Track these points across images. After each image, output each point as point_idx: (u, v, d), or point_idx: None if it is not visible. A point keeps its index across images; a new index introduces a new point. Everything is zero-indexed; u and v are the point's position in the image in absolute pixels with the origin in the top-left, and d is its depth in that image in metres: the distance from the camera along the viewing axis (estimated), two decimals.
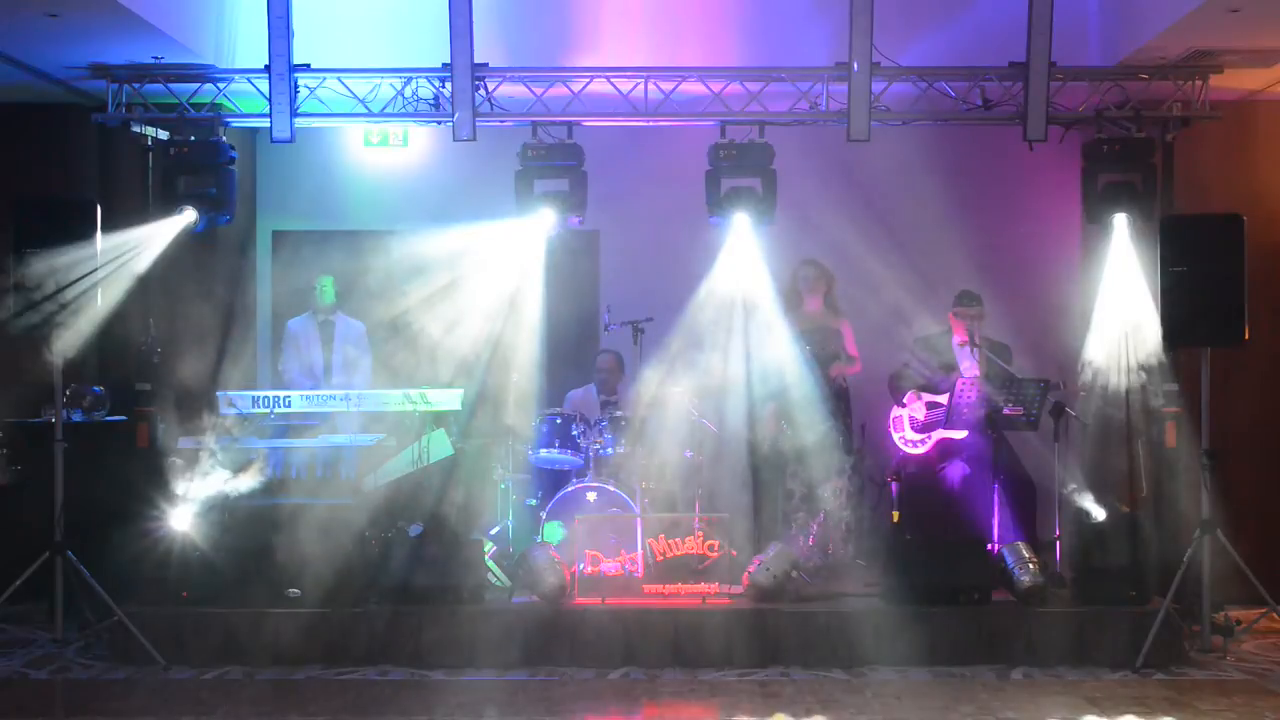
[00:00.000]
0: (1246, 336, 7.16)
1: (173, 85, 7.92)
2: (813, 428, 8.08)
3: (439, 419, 8.00)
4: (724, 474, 8.01)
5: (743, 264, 8.20)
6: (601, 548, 7.32)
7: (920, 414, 8.10)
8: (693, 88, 7.91)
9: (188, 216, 7.83)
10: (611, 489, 7.80)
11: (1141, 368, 7.73)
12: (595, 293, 9.70)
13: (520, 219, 8.00)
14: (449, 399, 7.85)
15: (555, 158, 7.88)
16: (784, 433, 8.08)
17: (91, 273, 7.24)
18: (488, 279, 8.57)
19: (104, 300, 7.38)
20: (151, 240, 7.78)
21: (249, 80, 7.85)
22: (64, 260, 7.16)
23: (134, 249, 7.69)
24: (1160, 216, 7.62)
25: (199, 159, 7.87)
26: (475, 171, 8.96)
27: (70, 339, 7.27)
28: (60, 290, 7.14)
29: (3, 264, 7.32)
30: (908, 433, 8.16)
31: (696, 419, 8.11)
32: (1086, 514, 7.34)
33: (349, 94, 7.87)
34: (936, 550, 7.30)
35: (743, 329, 8.25)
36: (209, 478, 7.30)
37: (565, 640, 6.96)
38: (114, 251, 7.52)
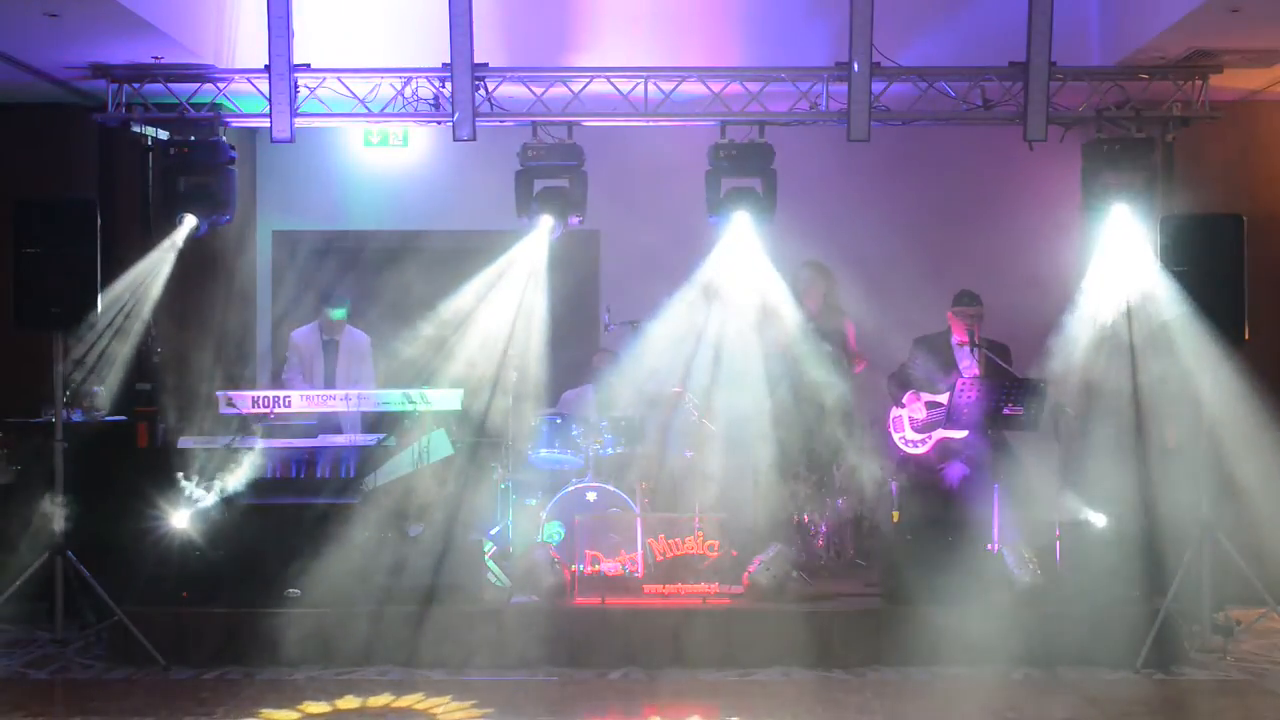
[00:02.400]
0: (1246, 336, 7.17)
1: (173, 85, 7.92)
2: (815, 427, 8.07)
3: (439, 419, 8.01)
4: (725, 473, 7.99)
5: (743, 264, 8.19)
6: (601, 548, 7.32)
7: (920, 414, 8.10)
8: (693, 88, 7.91)
9: (188, 225, 7.83)
10: (611, 489, 7.81)
11: (1141, 367, 7.72)
12: (595, 293, 9.70)
13: (520, 219, 8.00)
14: (449, 399, 7.85)
15: (555, 157, 7.88)
16: (787, 432, 8.07)
17: (92, 272, 7.28)
18: (488, 279, 8.57)
19: (106, 303, 7.45)
20: (159, 268, 7.81)
21: (249, 80, 7.85)
22: (66, 260, 7.22)
23: (144, 284, 7.73)
24: (1160, 216, 7.62)
25: (199, 159, 7.86)
26: (475, 171, 8.96)
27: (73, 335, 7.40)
28: (62, 291, 7.20)
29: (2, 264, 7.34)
30: (908, 433, 8.16)
31: (696, 419, 8.11)
32: (1086, 518, 7.34)
33: (349, 94, 7.87)
34: (936, 550, 7.30)
35: (743, 328, 8.25)
36: (209, 478, 7.30)
37: (565, 640, 6.96)
38: (127, 293, 7.61)
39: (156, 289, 7.83)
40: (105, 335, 7.54)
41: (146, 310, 7.81)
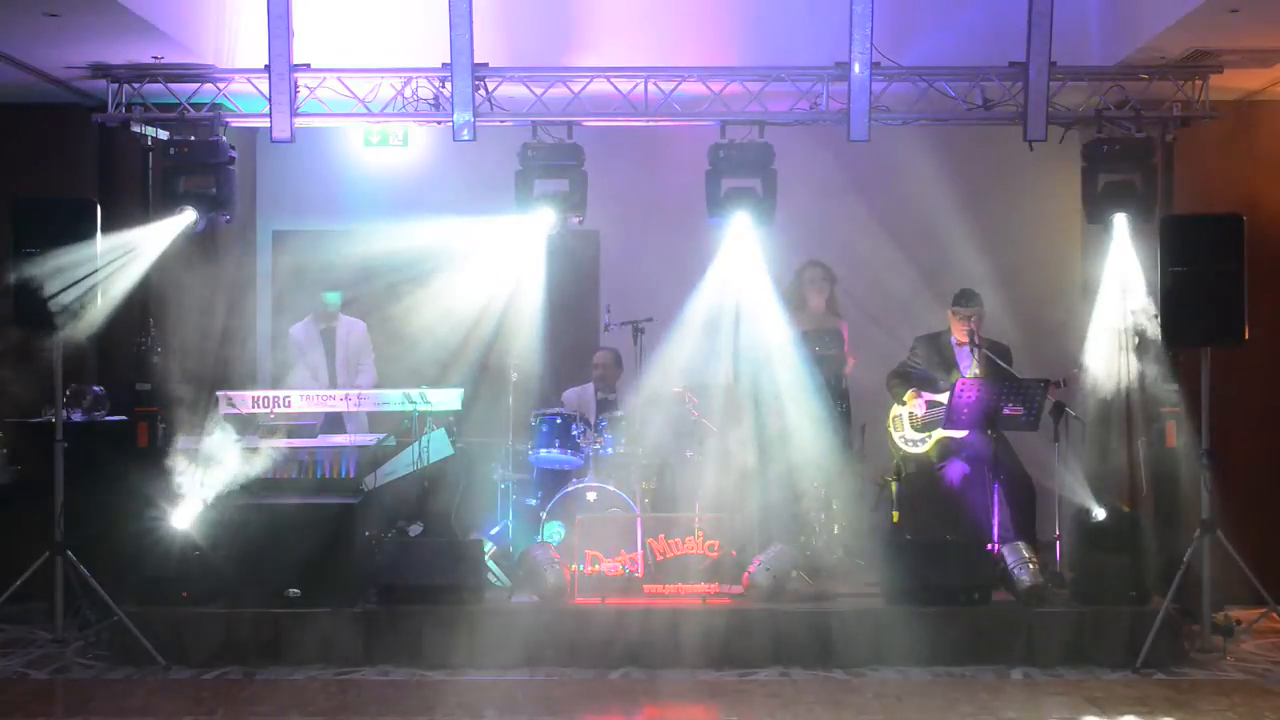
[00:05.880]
0: (1246, 336, 7.17)
1: (173, 85, 7.92)
2: (819, 428, 8.07)
3: (439, 419, 8.01)
4: (726, 473, 7.99)
5: (743, 264, 8.19)
6: (601, 548, 7.32)
7: (920, 413, 8.10)
8: (693, 88, 7.91)
9: (187, 216, 7.83)
10: (611, 489, 7.80)
11: (1141, 367, 7.72)
12: (595, 293, 9.70)
13: (520, 219, 7.99)
14: (449, 399, 7.86)
15: (555, 158, 7.87)
16: (791, 433, 8.06)
17: (92, 273, 7.25)
18: (488, 279, 8.58)
19: (105, 299, 7.39)
20: (151, 240, 7.77)
21: (249, 80, 7.85)
22: (66, 260, 7.18)
23: (134, 249, 7.68)
24: (1160, 216, 7.63)
25: (199, 159, 7.86)
26: (475, 171, 8.96)
27: (73, 333, 7.30)
28: (62, 291, 7.16)
29: (2, 264, 7.33)
30: (908, 432, 8.16)
31: (696, 419, 8.11)
32: (1086, 514, 7.35)
33: (349, 94, 7.87)
34: (936, 550, 7.31)
35: (746, 329, 8.25)
36: (209, 477, 7.29)
37: (565, 640, 6.96)
38: (114, 252, 7.52)
39: (149, 256, 7.76)
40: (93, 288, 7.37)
41: (121, 290, 7.70)
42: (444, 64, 7.64)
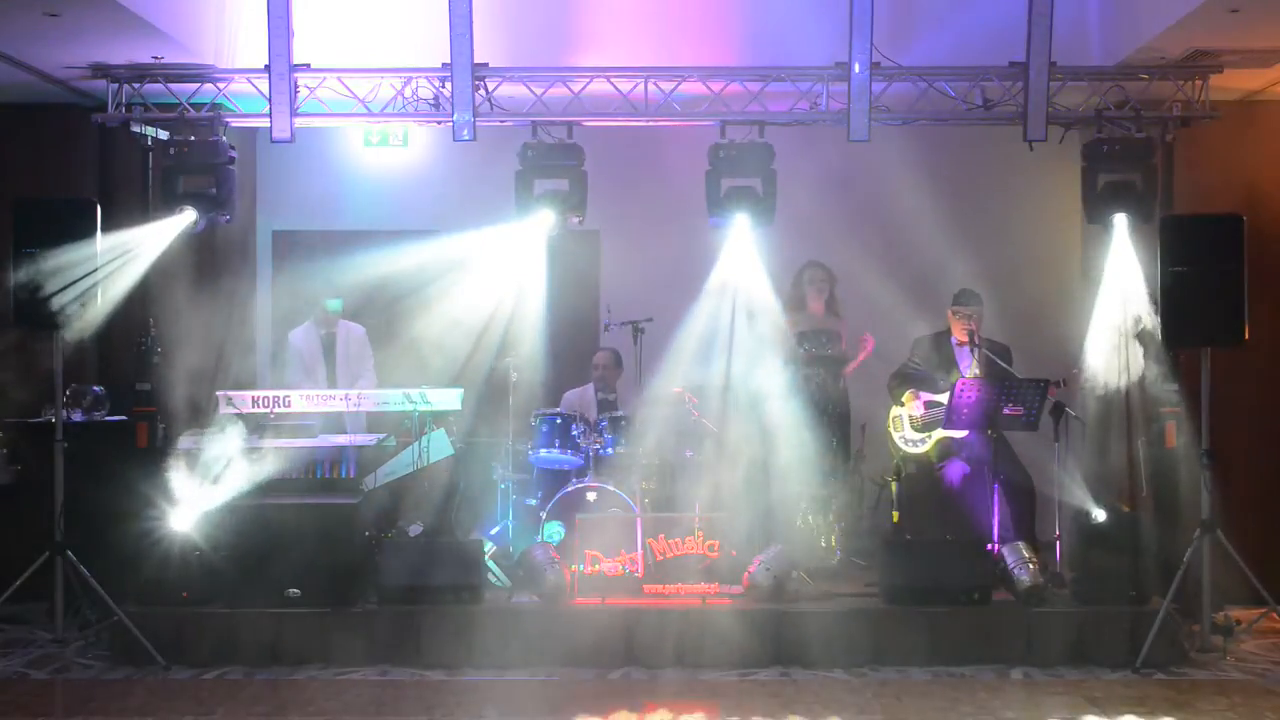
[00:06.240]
0: (1246, 336, 7.17)
1: (173, 85, 7.91)
2: (818, 428, 8.07)
3: (439, 419, 8.01)
4: (726, 474, 7.99)
5: (743, 264, 8.19)
6: (601, 548, 7.32)
7: (919, 413, 8.10)
8: (693, 88, 7.91)
9: (187, 216, 7.83)
10: (611, 489, 7.80)
11: (1141, 368, 7.72)
12: (595, 293, 9.70)
13: (520, 219, 7.99)
14: (449, 399, 7.85)
15: (555, 158, 7.87)
16: (789, 433, 8.06)
17: (92, 273, 7.26)
18: (488, 279, 8.57)
19: (104, 299, 7.39)
20: (151, 240, 7.77)
21: (249, 80, 7.85)
22: (66, 260, 7.18)
23: (134, 249, 7.68)
24: (1160, 216, 7.63)
25: (199, 159, 7.86)
26: (475, 171, 8.97)
27: (73, 333, 7.31)
28: (62, 290, 7.16)
29: (2, 264, 7.33)
30: (908, 432, 8.16)
31: (696, 419, 8.11)
32: (1086, 514, 7.35)
33: (349, 94, 7.87)
34: (936, 550, 7.31)
35: (744, 329, 8.25)
36: (208, 478, 7.29)
37: (565, 640, 6.96)
38: (114, 252, 7.52)
39: (149, 256, 7.75)
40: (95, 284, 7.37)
41: (121, 289, 7.70)
42: (444, 64, 7.64)
